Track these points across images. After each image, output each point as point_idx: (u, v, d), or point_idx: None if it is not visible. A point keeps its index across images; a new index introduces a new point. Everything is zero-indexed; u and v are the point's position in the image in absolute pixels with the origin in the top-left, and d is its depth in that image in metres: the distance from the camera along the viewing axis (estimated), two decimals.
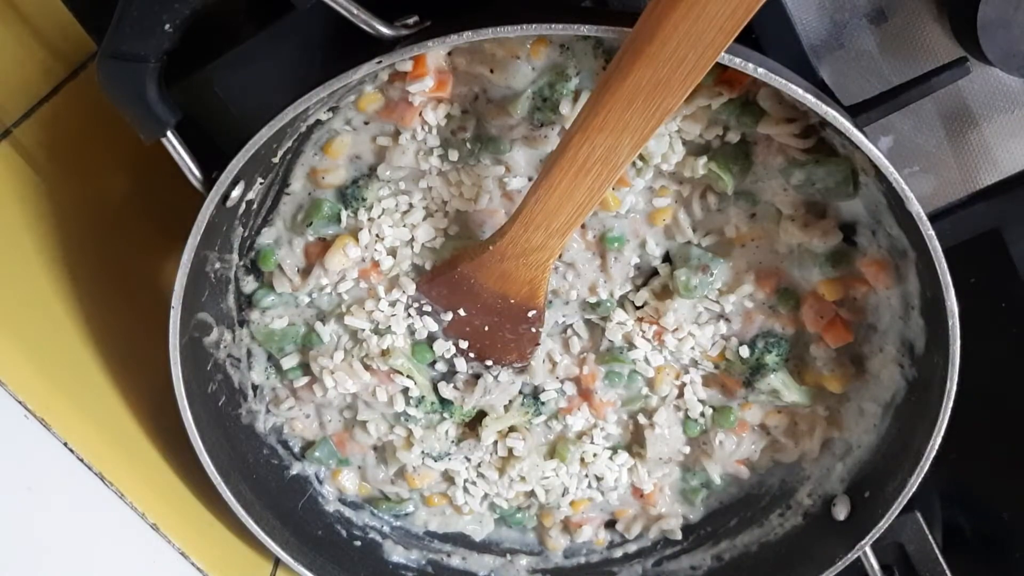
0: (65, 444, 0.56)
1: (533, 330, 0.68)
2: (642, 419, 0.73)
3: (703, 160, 0.63)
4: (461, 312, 0.67)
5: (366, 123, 0.64)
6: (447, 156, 0.64)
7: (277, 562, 0.72)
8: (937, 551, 0.70)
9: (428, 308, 0.68)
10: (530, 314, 0.66)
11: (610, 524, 0.79)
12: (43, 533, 0.54)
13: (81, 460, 0.57)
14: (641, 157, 0.63)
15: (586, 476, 0.75)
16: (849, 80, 0.64)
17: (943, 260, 0.57)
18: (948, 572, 0.70)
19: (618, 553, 0.79)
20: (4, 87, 0.63)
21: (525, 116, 0.62)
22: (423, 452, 0.73)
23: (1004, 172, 0.65)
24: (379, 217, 0.66)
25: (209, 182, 0.58)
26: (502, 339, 0.68)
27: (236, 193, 0.60)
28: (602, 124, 0.54)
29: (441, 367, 0.71)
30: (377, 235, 0.67)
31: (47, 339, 0.60)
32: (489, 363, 0.70)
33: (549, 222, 0.60)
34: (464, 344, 0.69)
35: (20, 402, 0.54)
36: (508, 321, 0.67)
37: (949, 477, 0.67)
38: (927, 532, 0.70)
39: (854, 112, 0.61)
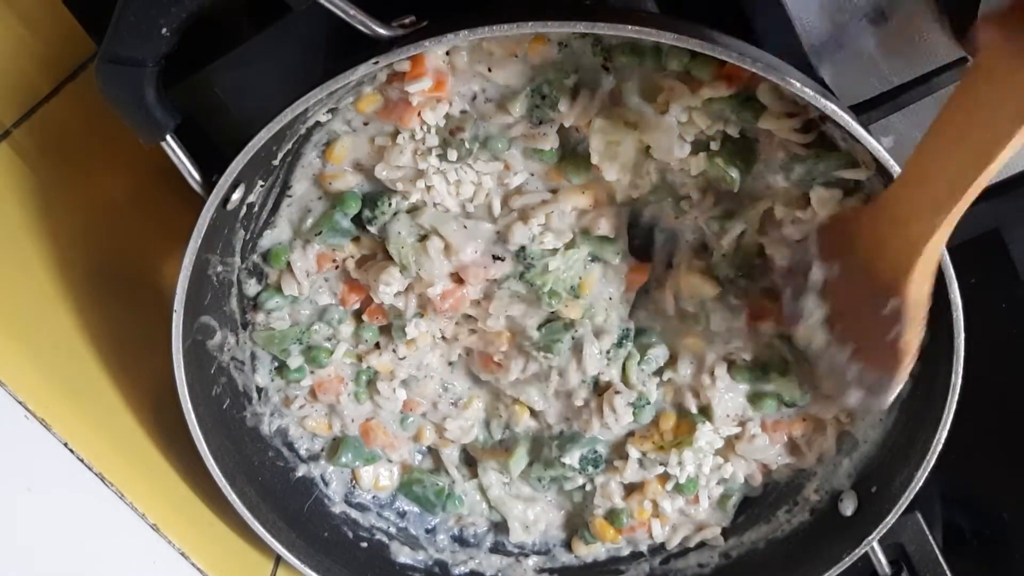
0: (65, 444, 0.56)
1: (892, 334, 0.58)
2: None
3: (705, 156, 0.63)
4: (835, 269, 0.60)
5: (365, 124, 0.64)
6: (446, 156, 0.64)
7: (278, 560, 0.72)
8: (937, 551, 0.70)
9: None
10: (890, 304, 0.57)
11: None
12: (43, 533, 0.54)
13: (81, 460, 0.57)
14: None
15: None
16: (849, 80, 0.64)
17: (945, 252, 0.57)
18: (948, 572, 0.70)
19: (626, 551, 0.78)
20: (4, 87, 0.63)
21: (524, 114, 0.62)
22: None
23: (1004, 172, 0.65)
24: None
25: (209, 185, 0.58)
26: (865, 327, 0.59)
27: (236, 196, 0.60)
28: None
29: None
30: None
31: (47, 340, 0.60)
32: (847, 351, 0.62)
33: (934, 186, 0.52)
34: (832, 310, 0.61)
35: (20, 403, 0.54)
36: (868, 304, 0.58)
37: (949, 477, 0.67)
38: (927, 532, 0.70)
39: (855, 112, 0.61)
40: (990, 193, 0.65)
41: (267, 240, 0.68)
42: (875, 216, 0.56)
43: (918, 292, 0.56)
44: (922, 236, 0.54)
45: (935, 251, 0.55)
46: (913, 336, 0.58)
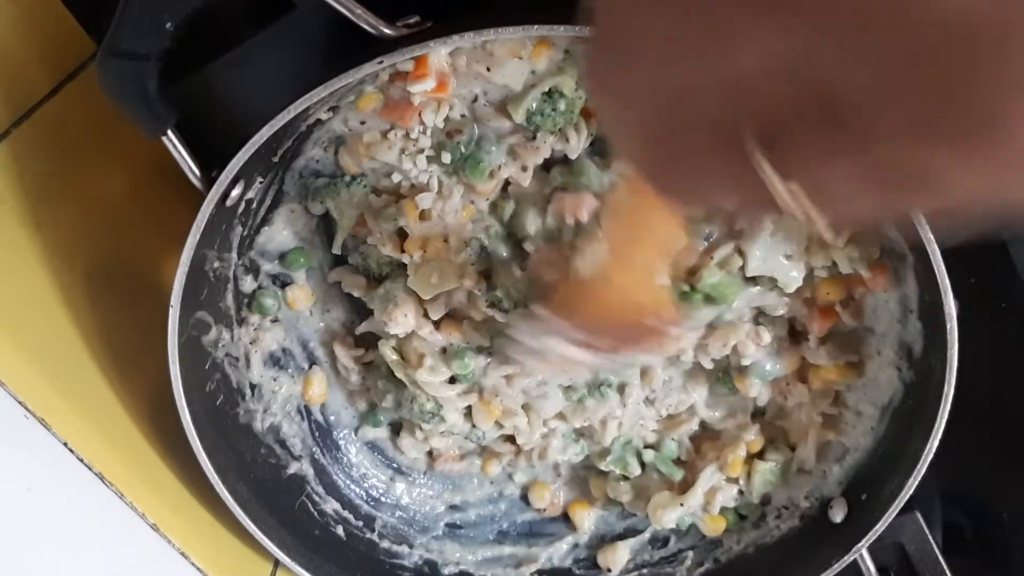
0: (65, 444, 0.56)
1: None
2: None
3: None
4: None
5: (362, 123, 0.64)
6: (438, 158, 0.64)
7: (277, 562, 0.72)
8: (937, 551, 0.70)
9: None
10: None
11: None
12: (43, 533, 0.54)
13: (81, 460, 0.57)
14: None
15: None
16: None
17: (941, 263, 0.57)
18: (948, 572, 0.70)
19: None
20: (4, 87, 0.63)
21: (523, 121, 0.62)
22: None
23: None
24: None
25: (209, 181, 0.58)
26: None
27: (236, 192, 0.60)
28: None
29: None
30: None
31: (47, 339, 0.60)
32: None
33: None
34: None
35: (20, 402, 0.54)
36: None
37: (949, 477, 0.67)
38: (927, 532, 0.70)
39: None
40: None
41: (264, 237, 0.68)
42: None
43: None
44: None
45: None
46: None
